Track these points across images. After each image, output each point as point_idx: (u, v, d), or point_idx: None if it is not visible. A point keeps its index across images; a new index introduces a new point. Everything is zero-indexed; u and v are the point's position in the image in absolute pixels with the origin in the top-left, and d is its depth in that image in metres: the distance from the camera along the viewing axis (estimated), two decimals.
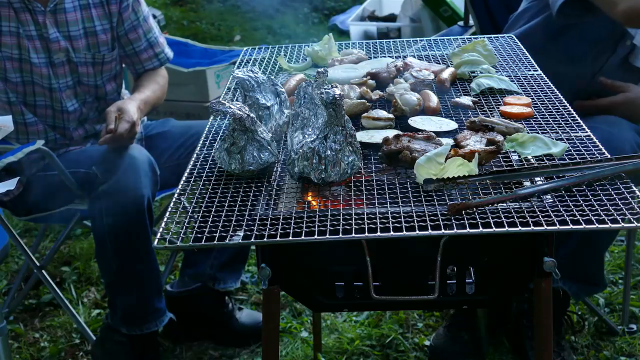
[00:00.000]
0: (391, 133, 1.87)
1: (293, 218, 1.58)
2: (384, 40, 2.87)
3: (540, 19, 2.74)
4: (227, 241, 1.52)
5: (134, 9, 2.74)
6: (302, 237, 1.52)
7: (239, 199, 1.68)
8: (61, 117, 2.66)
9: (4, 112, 2.58)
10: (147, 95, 2.74)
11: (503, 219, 1.50)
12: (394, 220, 1.52)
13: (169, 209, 1.63)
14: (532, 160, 1.78)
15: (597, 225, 1.46)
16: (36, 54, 2.56)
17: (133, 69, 2.88)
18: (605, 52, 2.60)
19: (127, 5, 2.72)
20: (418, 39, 2.93)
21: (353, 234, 1.50)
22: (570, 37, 2.62)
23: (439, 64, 2.50)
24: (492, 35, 2.79)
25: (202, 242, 1.51)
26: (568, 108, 2.07)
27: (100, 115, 2.75)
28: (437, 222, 1.52)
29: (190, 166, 1.87)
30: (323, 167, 1.67)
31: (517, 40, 2.67)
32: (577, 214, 1.50)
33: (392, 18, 6.63)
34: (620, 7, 2.26)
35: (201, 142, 2.01)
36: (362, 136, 1.93)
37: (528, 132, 1.89)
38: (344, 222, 1.53)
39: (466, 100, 2.14)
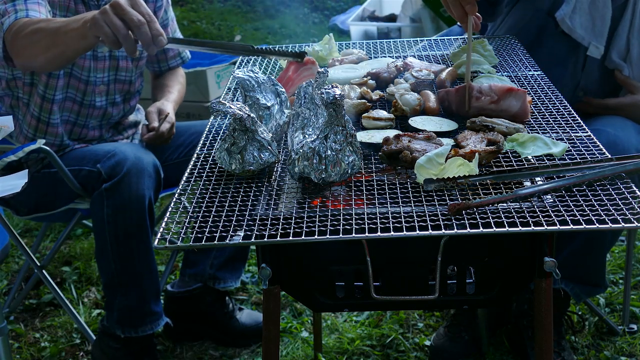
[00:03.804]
0: (391, 133, 1.87)
1: (293, 218, 1.58)
2: (384, 40, 2.88)
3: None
4: (227, 241, 1.52)
5: (166, 9, 2.91)
6: (303, 237, 1.52)
7: (239, 199, 1.68)
8: (85, 112, 2.69)
9: (35, 105, 2.61)
10: (176, 96, 2.92)
11: (503, 219, 1.50)
12: (394, 220, 1.52)
13: (170, 208, 1.63)
14: (532, 160, 1.78)
15: (597, 225, 1.46)
16: None
17: (157, 66, 3.00)
18: (574, 67, 2.59)
19: (161, 5, 2.87)
20: (418, 39, 2.93)
21: (353, 234, 1.50)
22: (542, 55, 2.62)
23: (439, 64, 2.50)
24: (492, 36, 2.79)
25: (203, 242, 1.51)
26: (568, 108, 2.07)
27: (120, 121, 2.84)
28: (437, 222, 1.51)
29: (190, 166, 1.87)
30: (323, 167, 1.67)
31: (517, 40, 2.68)
32: (577, 214, 1.50)
33: (392, 18, 6.63)
34: None
35: (201, 142, 2.01)
36: (363, 136, 1.93)
37: (528, 132, 1.89)
38: (344, 222, 1.53)
39: None
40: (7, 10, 2.33)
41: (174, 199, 1.67)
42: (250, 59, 2.64)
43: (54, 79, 2.58)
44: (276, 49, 2.32)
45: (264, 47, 2.30)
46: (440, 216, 1.53)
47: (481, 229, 1.48)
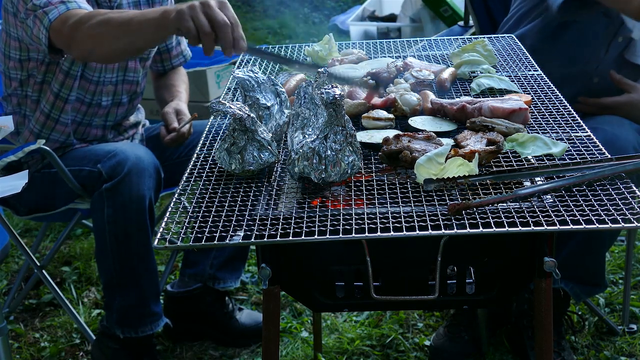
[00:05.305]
0: (391, 133, 1.87)
1: (293, 218, 1.58)
2: (384, 40, 2.88)
3: (536, 22, 2.75)
4: (227, 241, 1.52)
5: None
6: (302, 237, 1.52)
7: (239, 199, 1.68)
8: (91, 112, 2.70)
9: (46, 102, 2.61)
10: (185, 96, 2.94)
11: (503, 219, 1.50)
12: (394, 220, 1.52)
13: (170, 208, 1.63)
14: (532, 160, 1.78)
15: (597, 225, 1.46)
16: None
17: (161, 66, 2.99)
18: (599, 50, 2.61)
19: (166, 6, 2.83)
20: (418, 39, 2.93)
21: (353, 234, 1.50)
22: (567, 37, 2.63)
23: (439, 64, 2.50)
24: (492, 35, 2.79)
25: (202, 242, 1.51)
26: (568, 108, 2.07)
27: (122, 122, 2.84)
28: (437, 222, 1.51)
29: (190, 166, 1.87)
30: (323, 167, 1.67)
31: (517, 40, 2.68)
32: (577, 214, 1.50)
33: (392, 18, 6.63)
34: (634, 4, 2.29)
35: (201, 142, 2.01)
36: (362, 136, 1.93)
37: (528, 132, 1.89)
38: (344, 222, 1.53)
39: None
40: (51, 2, 2.32)
41: (174, 199, 1.67)
42: (251, 59, 2.64)
43: (70, 79, 2.59)
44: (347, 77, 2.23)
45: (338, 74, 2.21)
46: (440, 216, 1.53)
47: (481, 229, 1.48)
